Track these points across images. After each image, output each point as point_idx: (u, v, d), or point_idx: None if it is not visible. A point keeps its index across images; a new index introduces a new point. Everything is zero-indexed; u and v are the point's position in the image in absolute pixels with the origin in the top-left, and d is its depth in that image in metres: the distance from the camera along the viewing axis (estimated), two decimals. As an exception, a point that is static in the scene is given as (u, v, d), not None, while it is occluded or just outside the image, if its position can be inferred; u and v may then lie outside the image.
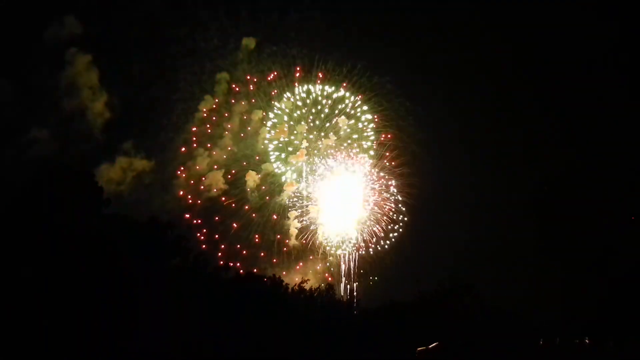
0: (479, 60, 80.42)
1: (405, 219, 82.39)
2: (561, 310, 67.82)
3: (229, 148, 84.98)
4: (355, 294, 75.45)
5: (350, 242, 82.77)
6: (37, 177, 44.87)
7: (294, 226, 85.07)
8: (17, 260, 40.59)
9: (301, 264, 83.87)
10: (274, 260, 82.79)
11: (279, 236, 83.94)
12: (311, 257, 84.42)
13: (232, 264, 58.66)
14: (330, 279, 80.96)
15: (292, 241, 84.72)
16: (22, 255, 40.94)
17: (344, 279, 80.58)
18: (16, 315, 38.49)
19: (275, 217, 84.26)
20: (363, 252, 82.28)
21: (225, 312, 50.74)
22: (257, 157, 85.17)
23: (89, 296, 41.91)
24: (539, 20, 79.40)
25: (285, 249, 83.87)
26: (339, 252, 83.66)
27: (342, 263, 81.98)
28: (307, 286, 62.63)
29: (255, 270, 70.46)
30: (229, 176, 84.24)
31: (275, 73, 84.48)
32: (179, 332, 46.54)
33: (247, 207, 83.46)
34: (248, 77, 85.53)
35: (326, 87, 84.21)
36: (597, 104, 74.02)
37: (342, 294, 76.32)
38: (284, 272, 77.38)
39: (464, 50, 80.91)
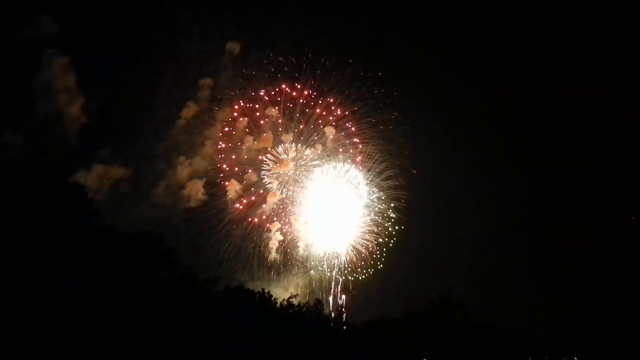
0: (470, 69, 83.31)
1: (393, 232, 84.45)
2: (550, 328, 70.69)
3: (211, 156, 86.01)
4: (343, 309, 77.18)
5: (337, 257, 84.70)
6: (27, 188, 45.90)
7: (275, 239, 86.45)
8: (10, 272, 41.71)
9: (282, 277, 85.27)
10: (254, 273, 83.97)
11: (259, 249, 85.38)
12: (293, 271, 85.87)
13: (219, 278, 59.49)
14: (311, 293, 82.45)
15: (273, 254, 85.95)
16: (15, 266, 42.06)
17: (332, 293, 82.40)
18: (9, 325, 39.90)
19: (256, 229, 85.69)
20: (350, 267, 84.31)
21: (216, 326, 52.24)
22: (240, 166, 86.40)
23: (80, 307, 43.30)
24: (528, 30, 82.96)
25: (266, 262, 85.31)
26: (324, 266, 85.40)
27: (329, 277, 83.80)
28: (295, 301, 64.27)
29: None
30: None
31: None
32: (169, 345, 48.05)
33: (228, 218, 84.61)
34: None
35: (314, 96, 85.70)
36: (587, 116, 77.56)
37: (330, 309, 77.99)
38: (265, 286, 78.58)
39: (454, 59, 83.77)
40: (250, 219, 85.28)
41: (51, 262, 43.39)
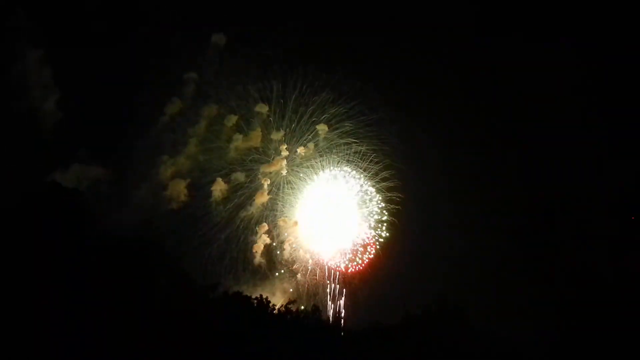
0: (468, 72, 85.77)
1: (388, 235, 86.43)
2: (550, 336, 73.72)
3: (196, 155, 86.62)
4: (341, 315, 79.03)
5: (329, 260, 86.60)
6: (26, 197, 46.94)
7: (262, 242, 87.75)
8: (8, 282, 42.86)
9: (268, 282, 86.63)
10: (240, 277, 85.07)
11: (244, 252, 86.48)
12: (280, 276, 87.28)
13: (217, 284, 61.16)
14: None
15: (258, 258, 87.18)
16: (14, 276, 43.22)
17: (328, 298, 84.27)
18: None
19: (241, 231, 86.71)
20: (345, 270, 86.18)
21: (215, 332, 53.94)
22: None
23: (80, 314, 44.69)
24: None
25: (251, 265, 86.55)
26: (312, 270, 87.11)
27: (326, 281, 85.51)
28: (293, 307, 66.11)
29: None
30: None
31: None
32: (171, 352, 49.60)
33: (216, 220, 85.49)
34: None
35: (305, 93, 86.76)
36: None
37: (327, 315, 79.88)
38: (251, 290, 79.76)
39: (453, 59, 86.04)
40: (236, 221, 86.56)
41: (48, 271, 44.56)
